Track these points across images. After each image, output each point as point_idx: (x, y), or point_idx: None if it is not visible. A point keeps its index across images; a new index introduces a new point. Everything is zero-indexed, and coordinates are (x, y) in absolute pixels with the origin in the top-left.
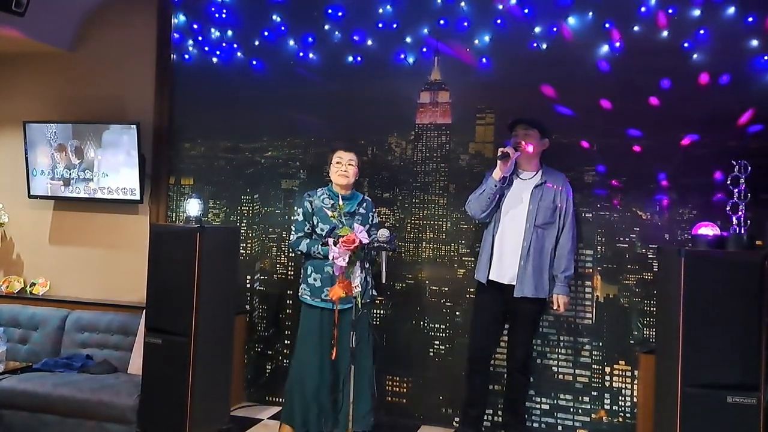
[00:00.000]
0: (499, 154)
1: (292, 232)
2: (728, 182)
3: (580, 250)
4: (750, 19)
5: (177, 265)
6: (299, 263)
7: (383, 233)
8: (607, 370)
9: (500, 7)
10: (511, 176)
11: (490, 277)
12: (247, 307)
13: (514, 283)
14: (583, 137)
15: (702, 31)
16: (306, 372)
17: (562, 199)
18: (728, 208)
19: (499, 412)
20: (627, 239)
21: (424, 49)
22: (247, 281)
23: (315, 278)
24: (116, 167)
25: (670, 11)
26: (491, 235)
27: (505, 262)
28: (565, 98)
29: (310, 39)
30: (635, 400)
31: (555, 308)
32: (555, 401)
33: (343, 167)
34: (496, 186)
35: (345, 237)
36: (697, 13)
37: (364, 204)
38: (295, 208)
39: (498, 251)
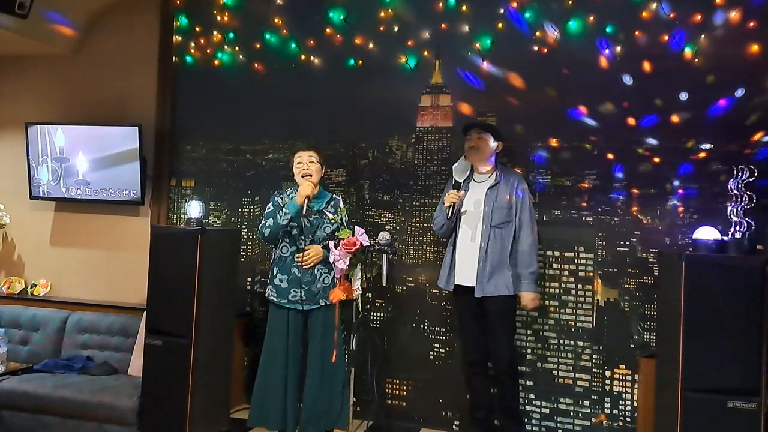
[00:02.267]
0: (447, 204)
1: (261, 223)
2: (730, 186)
3: (580, 254)
4: (751, 24)
5: (178, 267)
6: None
7: (383, 236)
8: (608, 374)
9: (501, 11)
10: (467, 180)
11: (456, 282)
12: (248, 309)
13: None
14: (584, 141)
15: (704, 36)
16: (271, 371)
17: (517, 195)
18: (729, 213)
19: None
20: (628, 243)
21: (426, 53)
22: (248, 283)
23: (281, 279)
24: (118, 169)
25: (671, 15)
26: (452, 241)
27: (466, 265)
28: (566, 102)
29: (311, 42)
30: (635, 404)
31: (523, 305)
32: (555, 405)
33: (304, 166)
34: (451, 220)
35: (346, 240)
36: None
37: (332, 203)
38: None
39: (459, 255)
